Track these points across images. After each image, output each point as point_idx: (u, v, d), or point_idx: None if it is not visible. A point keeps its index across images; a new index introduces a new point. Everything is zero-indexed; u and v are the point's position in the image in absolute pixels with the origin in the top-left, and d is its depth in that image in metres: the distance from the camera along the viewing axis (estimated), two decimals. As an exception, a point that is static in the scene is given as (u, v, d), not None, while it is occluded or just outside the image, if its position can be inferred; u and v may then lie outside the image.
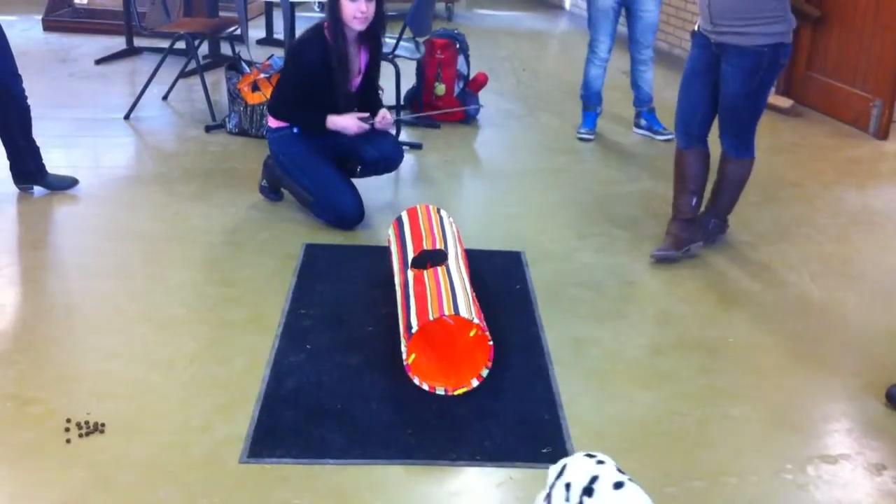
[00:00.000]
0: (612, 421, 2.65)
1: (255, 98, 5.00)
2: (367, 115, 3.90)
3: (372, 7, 3.69)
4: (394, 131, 4.29)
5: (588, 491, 1.93)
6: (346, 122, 3.84)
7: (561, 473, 2.04)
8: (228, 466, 2.36)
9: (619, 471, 1.99)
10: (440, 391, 2.68)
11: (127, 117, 5.29)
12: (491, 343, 2.66)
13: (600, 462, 2.01)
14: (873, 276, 3.67)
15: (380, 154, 4.02)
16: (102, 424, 2.48)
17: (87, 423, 2.47)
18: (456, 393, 2.68)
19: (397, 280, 3.04)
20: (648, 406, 2.73)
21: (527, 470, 2.41)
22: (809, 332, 3.19)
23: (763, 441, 2.57)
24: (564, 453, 2.46)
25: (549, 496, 2.02)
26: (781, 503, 2.34)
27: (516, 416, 2.63)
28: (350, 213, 3.89)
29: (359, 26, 3.71)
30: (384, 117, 3.97)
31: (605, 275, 3.60)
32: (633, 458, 2.45)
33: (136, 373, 2.76)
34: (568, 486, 1.99)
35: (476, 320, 2.65)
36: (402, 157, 4.18)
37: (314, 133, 3.88)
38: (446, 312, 2.63)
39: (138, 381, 2.72)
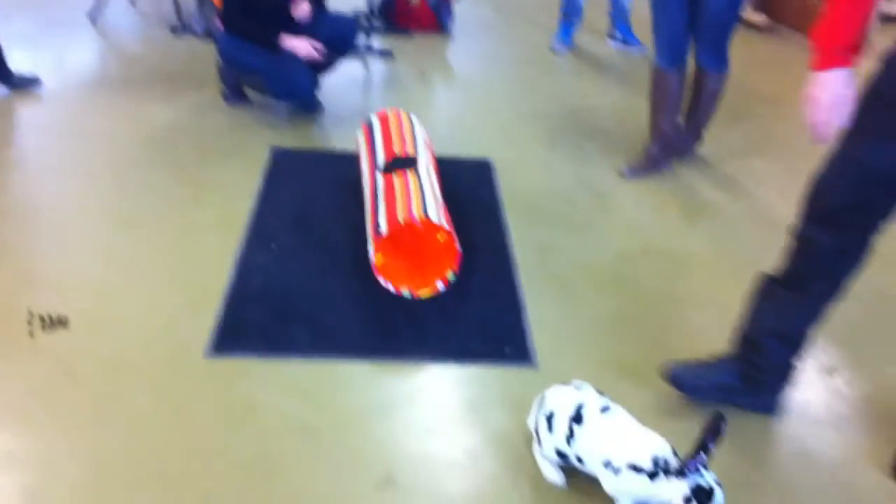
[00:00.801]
0: (574, 324, 2.68)
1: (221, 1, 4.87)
2: (321, 46, 3.84)
3: None
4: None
5: (577, 418, 1.97)
6: (299, 44, 3.77)
7: (541, 406, 2.08)
8: (193, 361, 2.37)
9: (600, 393, 2.03)
10: (406, 293, 2.69)
11: (93, 19, 5.15)
12: (458, 248, 2.67)
13: (578, 388, 2.05)
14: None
15: (333, 31, 3.95)
16: (66, 318, 2.47)
17: (49, 316, 2.47)
18: (422, 295, 2.70)
19: (366, 183, 3.02)
20: (610, 311, 2.77)
21: (488, 368, 2.45)
22: (771, 245, 3.21)
23: (721, 345, 2.61)
24: (526, 354, 2.50)
25: (537, 434, 2.06)
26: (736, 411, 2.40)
27: (481, 318, 2.66)
28: (303, 85, 3.84)
29: None
30: (303, 9, 3.88)
31: (573, 185, 3.60)
32: (593, 360, 2.50)
33: (100, 270, 2.74)
34: (550, 417, 2.03)
35: (444, 225, 2.65)
36: (355, 33, 4.10)
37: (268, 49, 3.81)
38: (416, 216, 2.62)
39: (102, 279, 2.70)
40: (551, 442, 2.01)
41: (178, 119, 3.89)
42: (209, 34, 4.95)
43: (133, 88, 4.22)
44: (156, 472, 2.01)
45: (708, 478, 1.79)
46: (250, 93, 4.12)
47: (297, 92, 3.86)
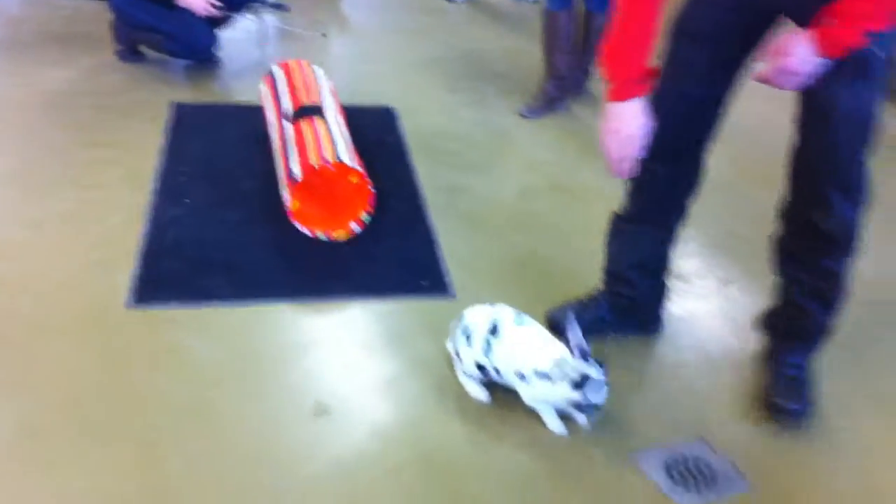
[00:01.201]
0: (487, 257, 2.80)
1: (108, -42, 4.76)
2: (217, 1, 3.82)
3: None
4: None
5: (493, 331, 2.09)
6: (197, 2, 3.75)
7: (459, 324, 2.19)
8: (115, 314, 2.40)
9: (516, 312, 2.15)
10: (322, 237, 2.77)
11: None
12: (372, 189, 2.75)
13: (494, 305, 2.18)
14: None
15: None
16: (-20, 281, 2.46)
17: (-36, 280, 2.45)
18: (338, 238, 2.77)
19: (274, 133, 3.06)
20: (519, 244, 2.90)
21: (407, 301, 2.55)
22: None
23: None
24: (443, 285, 2.61)
25: (457, 353, 2.17)
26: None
27: (397, 256, 2.75)
28: (202, 40, 3.85)
29: None
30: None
31: (475, 127, 3.72)
32: (506, 288, 2.62)
33: (9, 233, 2.72)
34: (468, 332, 2.14)
35: (357, 167, 2.72)
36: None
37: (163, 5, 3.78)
38: (328, 159, 2.69)
39: (14, 241, 2.68)
40: (471, 356, 2.14)
41: (73, 80, 3.83)
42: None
43: (22, 51, 4.12)
44: (92, 421, 2.04)
45: (593, 370, 1.96)
46: (145, 49, 4.07)
47: (197, 50, 3.84)
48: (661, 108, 1.99)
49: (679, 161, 2.15)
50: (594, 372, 1.95)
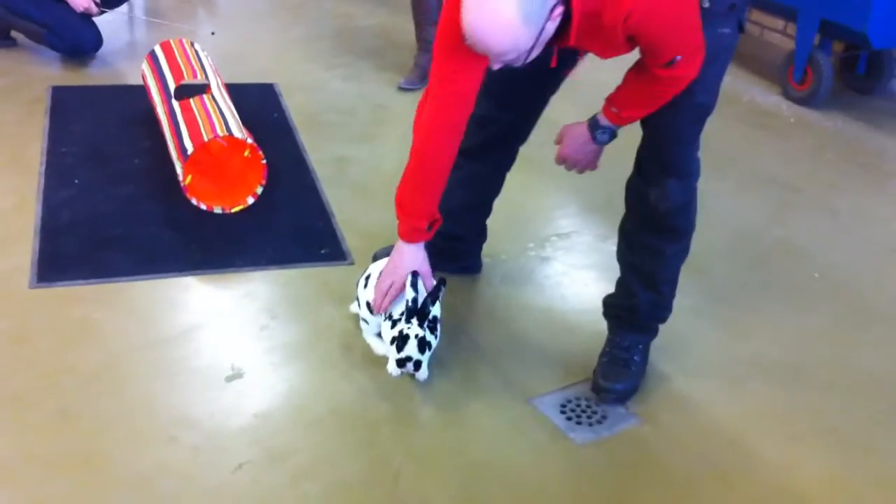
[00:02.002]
0: (379, 224, 2.92)
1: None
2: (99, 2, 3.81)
3: None
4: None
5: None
6: (81, 2, 3.73)
7: (362, 276, 2.33)
8: (20, 293, 2.42)
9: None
10: (218, 210, 2.84)
11: None
12: (264, 161, 2.83)
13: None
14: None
15: None
16: None
17: None
18: (233, 211, 2.85)
19: (161, 111, 3.09)
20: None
21: (308, 269, 2.67)
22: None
23: (509, 229, 2.96)
24: (341, 252, 2.74)
25: (358, 304, 2.33)
26: (529, 273, 2.76)
27: (293, 227, 2.86)
28: (87, 39, 3.82)
29: None
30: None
31: (355, 100, 3.83)
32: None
33: None
34: (367, 277, 2.29)
35: (249, 140, 2.80)
36: None
37: None
38: (220, 133, 2.76)
39: None
40: (364, 296, 2.29)
41: (-62, 66, 3.73)
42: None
43: None
44: (9, 395, 2.08)
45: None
46: (16, 34, 3.98)
47: (81, 51, 3.80)
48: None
49: (517, 111, 2.32)
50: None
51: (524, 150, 2.48)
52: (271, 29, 4.62)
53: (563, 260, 2.84)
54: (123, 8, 4.27)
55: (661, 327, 2.35)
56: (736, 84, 4.37)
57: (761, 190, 3.42)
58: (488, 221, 2.64)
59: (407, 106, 3.80)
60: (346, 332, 2.40)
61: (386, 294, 2.18)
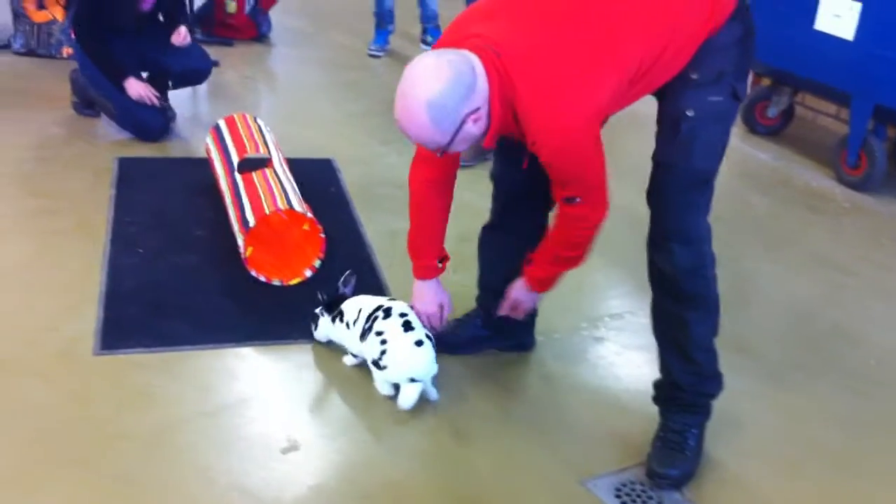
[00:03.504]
0: (433, 298, 2.97)
1: (41, 16, 4.84)
2: (160, 96, 3.96)
3: None
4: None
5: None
6: (139, 91, 3.87)
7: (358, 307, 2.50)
8: (84, 358, 2.48)
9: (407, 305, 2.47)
10: (276, 283, 2.90)
11: None
12: (323, 235, 2.90)
13: (392, 299, 2.53)
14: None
15: (186, 65, 4.10)
16: (-55, 330, 2.51)
17: (-71, 330, 2.50)
18: (291, 283, 2.91)
19: (224, 184, 3.18)
20: (461, 284, 3.05)
21: (364, 342, 2.70)
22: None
23: (562, 306, 2.97)
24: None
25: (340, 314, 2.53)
26: (581, 353, 2.77)
27: (348, 299, 2.90)
28: (153, 126, 3.96)
29: None
30: (181, 34, 4.02)
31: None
32: (454, 325, 2.80)
33: (-31, 282, 2.78)
34: (359, 311, 2.47)
35: (308, 214, 2.87)
36: (210, 67, 4.27)
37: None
38: (280, 207, 2.83)
39: (-28, 290, 2.74)
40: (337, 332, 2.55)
41: (14, 134, 3.88)
42: (30, 51, 4.89)
43: (-41, 107, 4.15)
44: (66, 456, 2.12)
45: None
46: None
47: (146, 136, 3.94)
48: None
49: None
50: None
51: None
52: (329, 103, 4.75)
53: (616, 340, 2.84)
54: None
55: (715, 410, 2.33)
56: (789, 167, 4.39)
57: (815, 272, 3.40)
58: (542, 298, 2.66)
59: (460, 182, 3.84)
60: (395, 406, 2.42)
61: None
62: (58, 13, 4.80)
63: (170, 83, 4.12)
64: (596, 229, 2.12)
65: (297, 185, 3.18)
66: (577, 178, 2.03)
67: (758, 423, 2.51)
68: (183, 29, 4.03)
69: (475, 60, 1.92)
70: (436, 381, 2.43)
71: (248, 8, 5.65)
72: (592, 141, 1.98)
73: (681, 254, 2.12)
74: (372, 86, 5.08)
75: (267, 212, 2.83)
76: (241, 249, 2.86)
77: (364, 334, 2.41)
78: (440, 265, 2.46)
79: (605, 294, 3.14)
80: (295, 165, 3.51)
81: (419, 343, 2.36)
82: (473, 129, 1.96)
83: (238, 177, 3.11)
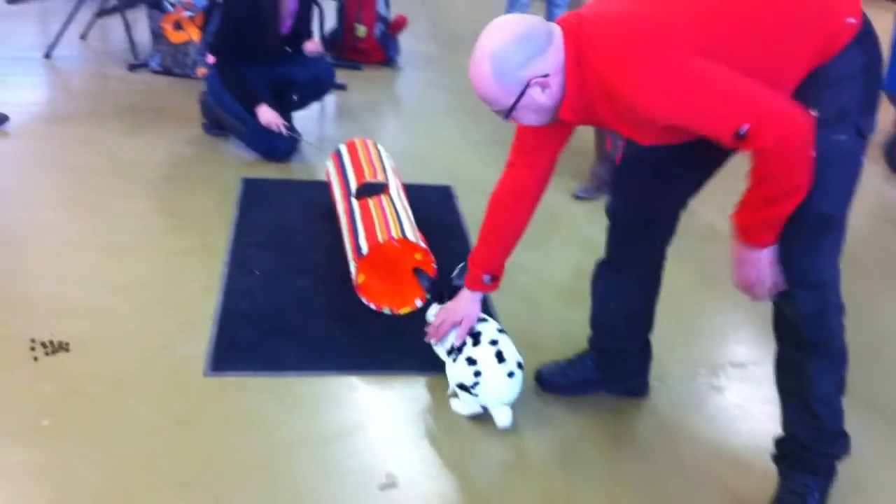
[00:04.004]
0: (544, 335, 2.89)
1: (178, 37, 5.02)
2: (289, 125, 4.05)
3: None
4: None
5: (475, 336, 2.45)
6: (269, 119, 3.95)
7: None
8: (193, 379, 2.51)
9: (499, 330, 2.47)
10: (387, 311, 2.87)
11: (47, 56, 5.23)
12: (435, 265, 2.86)
13: (483, 320, 2.52)
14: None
15: (312, 74, 4.23)
16: (67, 343, 2.58)
17: (51, 342, 2.58)
18: (401, 312, 2.88)
19: (341, 209, 3.20)
20: (575, 322, 2.97)
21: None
22: (715, 256, 3.49)
23: (680, 350, 2.85)
24: (504, 362, 2.70)
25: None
26: (699, 402, 2.63)
27: (458, 332, 2.85)
28: (280, 147, 4.04)
29: None
30: (314, 43, 4.18)
31: (530, 207, 3.83)
32: (566, 366, 2.70)
33: (92, 296, 2.86)
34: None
35: (421, 244, 2.84)
36: (333, 77, 4.39)
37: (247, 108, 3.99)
38: (394, 236, 2.81)
39: (95, 304, 2.82)
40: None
41: (147, 151, 4.02)
42: (166, 70, 5.08)
43: (100, 122, 4.33)
44: (169, 478, 2.14)
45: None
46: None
47: (273, 155, 4.04)
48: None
49: (648, 208, 2.29)
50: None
51: (699, 265, 2.39)
52: (453, 129, 4.73)
53: (737, 390, 2.69)
54: (315, 104, 4.51)
55: (841, 474, 2.16)
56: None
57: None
58: (658, 340, 2.55)
59: (581, 215, 3.78)
60: (501, 449, 2.34)
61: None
62: (194, 34, 4.96)
63: (294, 97, 4.21)
64: (789, 148, 1.75)
65: (414, 212, 3.16)
66: (709, 105, 1.75)
67: (888, 491, 2.31)
68: (316, 38, 4.17)
69: (556, 29, 1.89)
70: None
71: (377, 32, 5.72)
72: (687, 64, 1.74)
73: (804, 298, 1.98)
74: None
75: (381, 240, 2.82)
76: (354, 276, 2.85)
77: (453, 353, 2.45)
78: (488, 282, 2.42)
79: (728, 340, 2.99)
80: (413, 192, 3.50)
81: (511, 374, 2.38)
82: (541, 97, 1.91)
83: (355, 202, 3.11)
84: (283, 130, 3.97)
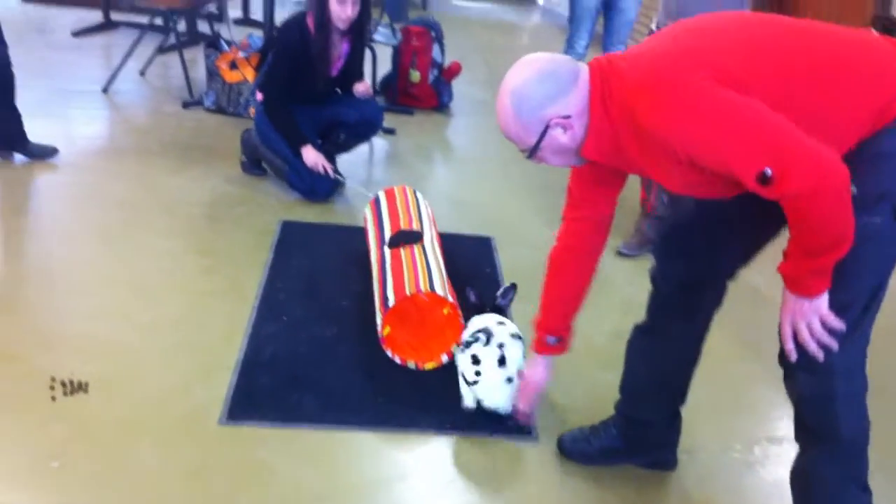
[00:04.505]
0: (578, 399, 2.79)
1: (233, 76, 5.07)
2: (334, 168, 4.04)
3: (357, 8, 3.81)
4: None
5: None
6: (315, 159, 3.95)
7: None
8: (207, 427, 2.46)
9: (513, 335, 2.60)
10: (411, 365, 2.80)
11: (105, 90, 5.33)
12: (462, 321, 2.79)
13: (501, 323, 2.64)
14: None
15: (360, 116, 4.21)
16: (86, 384, 2.56)
17: (71, 381, 2.56)
18: (426, 367, 2.81)
19: (374, 257, 3.15)
20: (611, 386, 2.86)
21: (489, 439, 2.55)
22: (757, 322, 3.36)
23: (713, 421, 2.73)
24: (527, 428, 2.60)
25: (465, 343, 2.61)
26: (730, 479, 2.50)
27: (484, 391, 2.76)
28: (322, 188, 4.03)
29: (343, 27, 3.85)
30: (365, 85, 4.17)
31: (571, 262, 3.74)
32: (592, 433, 2.59)
33: (118, 335, 2.84)
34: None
35: (450, 299, 2.77)
36: (381, 119, 4.37)
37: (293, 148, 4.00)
38: (422, 289, 2.75)
39: (120, 343, 2.80)
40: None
41: (190, 189, 4.04)
42: (219, 109, 5.13)
43: (147, 158, 4.37)
44: (173, 533, 2.09)
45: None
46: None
47: (314, 195, 4.04)
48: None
49: (692, 267, 2.17)
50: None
51: (740, 329, 2.28)
52: (500, 177, 4.68)
53: (772, 468, 2.55)
54: (363, 147, 4.50)
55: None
56: None
57: None
58: (689, 408, 2.43)
59: (625, 273, 3.67)
60: (519, 518, 2.25)
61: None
62: (249, 74, 5.00)
63: (341, 136, 4.20)
64: (823, 197, 1.61)
65: (451, 262, 3.10)
66: (729, 136, 1.62)
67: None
68: (367, 80, 4.17)
69: (583, 69, 1.84)
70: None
71: (431, 78, 5.72)
72: (714, 92, 1.64)
73: (803, 381, 1.92)
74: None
75: (408, 292, 2.75)
76: (379, 328, 2.78)
77: (462, 344, 2.60)
78: (553, 343, 2.35)
79: (766, 414, 2.84)
80: (452, 241, 3.44)
81: (509, 380, 2.53)
82: (563, 138, 1.85)
83: (387, 251, 3.06)
84: (329, 172, 3.96)
